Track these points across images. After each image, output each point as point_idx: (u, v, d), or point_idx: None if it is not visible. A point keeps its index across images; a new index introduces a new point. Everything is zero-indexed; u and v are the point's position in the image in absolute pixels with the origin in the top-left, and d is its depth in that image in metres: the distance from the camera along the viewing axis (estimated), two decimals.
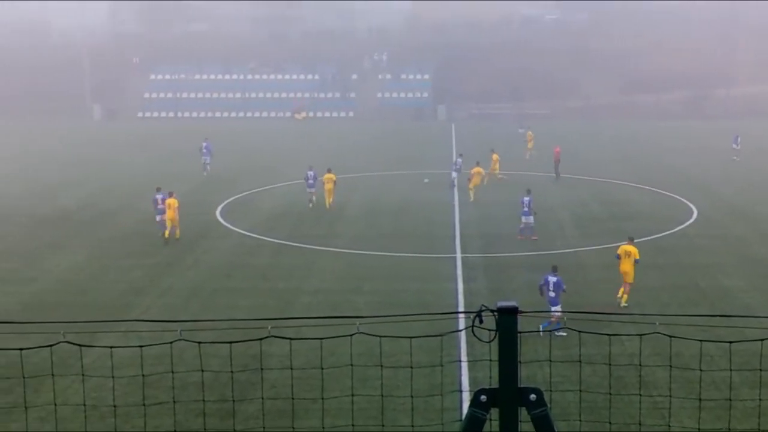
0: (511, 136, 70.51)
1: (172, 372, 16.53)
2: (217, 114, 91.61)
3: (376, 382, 18.42)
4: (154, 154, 61.16)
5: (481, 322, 5.02)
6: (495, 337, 4.92)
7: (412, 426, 15.47)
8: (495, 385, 4.92)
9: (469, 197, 44.61)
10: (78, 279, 30.87)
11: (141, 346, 8.01)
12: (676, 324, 18.56)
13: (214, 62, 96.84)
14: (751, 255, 33.50)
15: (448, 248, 34.84)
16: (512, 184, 49.28)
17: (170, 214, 35.95)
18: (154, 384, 19.85)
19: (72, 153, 63.37)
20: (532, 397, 4.87)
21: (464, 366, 21.18)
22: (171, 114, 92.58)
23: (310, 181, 43.10)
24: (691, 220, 39.74)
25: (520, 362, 4.92)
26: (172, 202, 36.12)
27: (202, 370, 13.68)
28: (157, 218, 36.88)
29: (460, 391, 19.44)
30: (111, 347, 17.62)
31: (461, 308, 26.27)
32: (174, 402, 17.48)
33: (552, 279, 24.63)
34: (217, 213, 41.87)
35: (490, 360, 5.15)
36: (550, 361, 18.95)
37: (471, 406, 4.93)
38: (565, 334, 22.37)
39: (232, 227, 38.91)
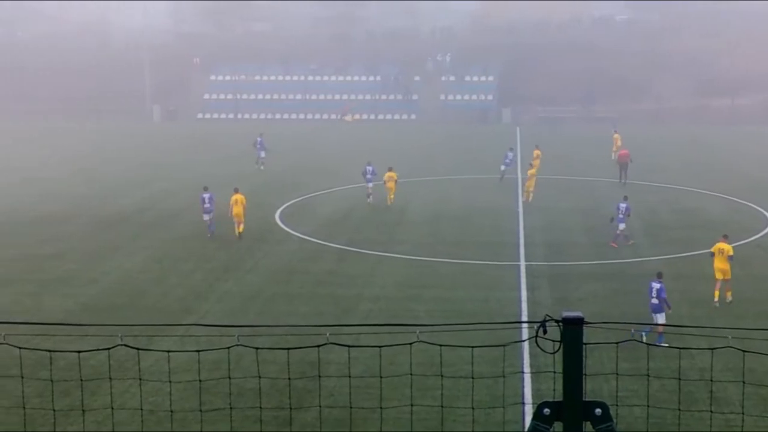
0: (577, 140, 69.85)
1: (229, 378, 16.74)
2: (277, 116, 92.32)
3: (436, 392, 18.39)
4: (214, 156, 61.93)
5: (545, 332, 4.99)
6: (559, 348, 4.89)
7: None
8: (559, 398, 4.89)
9: (526, 198, 44.85)
10: (137, 281, 31.42)
11: (198, 351, 8.13)
12: (750, 338, 18.16)
13: (275, 63, 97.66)
14: None
15: (511, 256, 34.65)
16: (576, 189, 48.91)
17: (237, 210, 36.83)
18: (211, 389, 20.13)
19: (133, 154, 64.52)
20: (598, 411, 4.83)
21: (527, 377, 21.04)
22: (230, 116, 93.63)
23: (368, 176, 44.66)
24: (766, 230, 38.92)
25: (585, 375, 4.88)
26: (239, 197, 37.04)
27: (260, 377, 13.80)
28: (205, 218, 37.45)
29: (523, 404, 19.31)
30: (168, 351, 17.87)
31: (525, 318, 26.11)
32: (231, 408, 17.69)
33: (655, 285, 24.28)
34: (277, 216, 42.24)
35: (554, 372, 5.12)
36: (617, 374, 18.73)
37: (534, 419, 4.90)
38: (666, 345, 21.99)
39: (291, 231, 39.23)
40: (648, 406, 18.56)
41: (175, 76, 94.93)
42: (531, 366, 21.68)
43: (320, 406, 18.88)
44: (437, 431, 16.31)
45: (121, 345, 6.54)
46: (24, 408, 17.66)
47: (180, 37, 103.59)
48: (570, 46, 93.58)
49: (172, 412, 18.00)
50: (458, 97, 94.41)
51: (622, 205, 36.51)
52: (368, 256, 34.84)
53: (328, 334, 6.51)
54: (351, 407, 17.78)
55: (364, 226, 40.53)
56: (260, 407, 17.43)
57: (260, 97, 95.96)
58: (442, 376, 14.05)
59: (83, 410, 18.79)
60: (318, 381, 19.43)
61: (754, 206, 43.89)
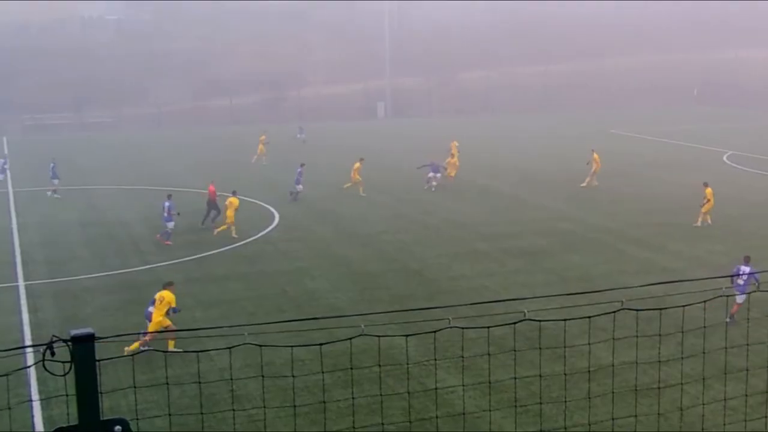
0: (71, 147, 68.30)
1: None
2: None
3: None
4: None
5: (53, 354, 4.69)
6: (70, 369, 4.63)
7: None
8: (74, 421, 4.63)
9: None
10: None
11: None
12: (266, 333, 19.09)
13: None
14: (332, 255, 35.55)
15: (7, 276, 32.78)
16: (73, 200, 47.89)
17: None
18: None
19: None
20: (117, 429, 4.66)
21: (36, 405, 20.06)
22: None
23: None
24: (274, 225, 41.16)
25: (101, 393, 4.67)
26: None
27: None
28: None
29: None
30: None
31: (28, 342, 24.89)
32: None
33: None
34: None
35: (67, 395, 4.85)
36: (135, 387, 18.60)
37: None
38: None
39: None
40: (170, 414, 18.69)
41: None
42: (40, 392, 20.72)
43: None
44: None
45: None
46: None
47: None
48: (58, 50, 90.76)
49: None
50: None
51: (166, 204, 37.92)
52: None
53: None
54: None
55: None
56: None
57: None
58: None
59: None
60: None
61: (262, 204, 46.10)
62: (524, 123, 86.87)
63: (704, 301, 8.00)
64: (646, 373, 20.11)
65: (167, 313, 24.13)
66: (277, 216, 43.03)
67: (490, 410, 19.65)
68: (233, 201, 39.07)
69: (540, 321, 7.83)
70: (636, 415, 15.03)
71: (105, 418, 4.68)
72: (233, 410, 19.06)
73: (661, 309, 8.46)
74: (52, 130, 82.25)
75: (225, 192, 41.23)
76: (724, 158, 61.50)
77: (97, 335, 4.66)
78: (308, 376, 21.19)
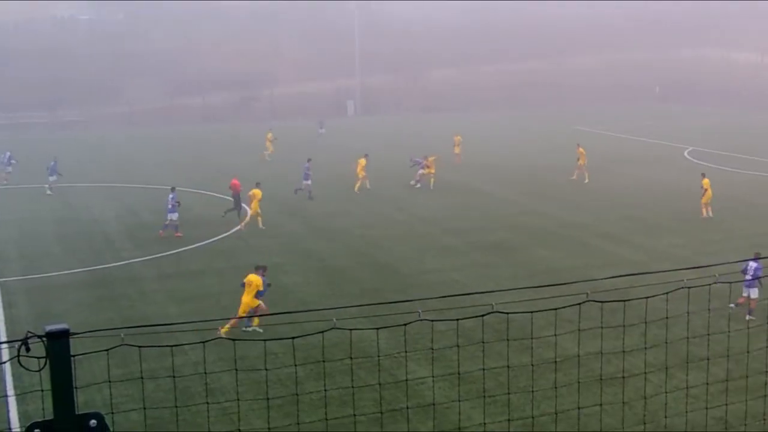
0: (45, 146, 67.72)
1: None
2: None
3: None
4: None
5: (27, 350, 4.65)
6: (45, 364, 4.59)
7: None
8: (49, 416, 4.60)
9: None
10: None
11: None
12: (238, 327, 19.06)
13: None
14: (303, 250, 35.51)
15: None
16: (43, 197, 47.55)
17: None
18: None
19: None
20: (92, 423, 4.63)
21: (12, 401, 19.90)
22: None
23: None
24: (246, 220, 41.00)
25: (76, 388, 4.64)
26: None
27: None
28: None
29: (10, 430, 18.23)
30: None
31: (3, 338, 24.66)
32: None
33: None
34: None
35: (42, 390, 4.81)
36: (110, 381, 18.49)
37: None
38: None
39: None
40: (144, 408, 18.61)
41: None
42: (16, 388, 20.55)
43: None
44: None
45: None
46: None
47: None
48: (30, 49, 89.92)
49: None
50: None
51: (171, 196, 38.16)
52: None
53: None
54: None
55: None
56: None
57: None
58: None
59: None
60: None
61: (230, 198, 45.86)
62: (491, 120, 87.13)
63: (666, 293, 8.08)
64: (610, 363, 20.25)
65: (255, 296, 25.11)
66: (249, 212, 42.85)
67: (459, 401, 19.74)
68: (256, 192, 39.65)
69: (508, 313, 7.85)
70: (601, 404, 15.12)
71: (80, 413, 4.65)
72: (207, 403, 18.98)
73: (625, 301, 8.51)
74: (25, 129, 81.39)
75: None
76: (685, 154, 62.06)
77: (71, 331, 4.63)
78: (281, 369, 21.15)
